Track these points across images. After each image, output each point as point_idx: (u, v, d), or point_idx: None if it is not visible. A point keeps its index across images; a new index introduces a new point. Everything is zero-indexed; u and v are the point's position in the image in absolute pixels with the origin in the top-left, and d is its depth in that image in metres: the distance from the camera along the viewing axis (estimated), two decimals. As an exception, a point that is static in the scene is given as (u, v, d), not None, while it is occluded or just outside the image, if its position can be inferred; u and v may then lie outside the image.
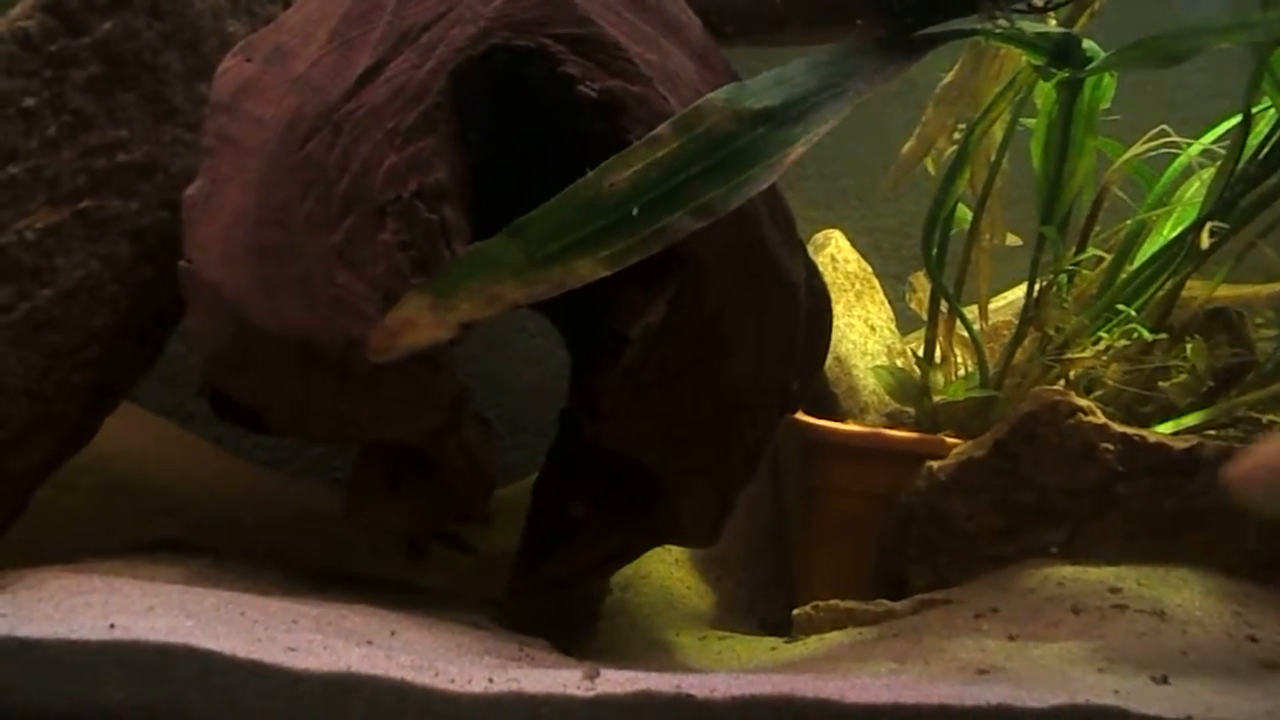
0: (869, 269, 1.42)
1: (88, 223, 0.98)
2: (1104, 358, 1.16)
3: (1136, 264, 1.16)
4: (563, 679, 0.73)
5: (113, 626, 0.72)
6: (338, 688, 0.69)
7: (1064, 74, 1.00)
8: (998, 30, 0.91)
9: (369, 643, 0.78)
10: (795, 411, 1.10)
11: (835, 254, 1.39)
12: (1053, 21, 0.98)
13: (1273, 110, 1.06)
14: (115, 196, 0.99)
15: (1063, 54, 0.97)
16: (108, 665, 0.69)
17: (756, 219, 0.90)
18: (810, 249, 1.47)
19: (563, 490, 1.09)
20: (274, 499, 1.50)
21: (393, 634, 0.83)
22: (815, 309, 1.00)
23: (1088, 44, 1.02)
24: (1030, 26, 0.94)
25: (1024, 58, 1.04)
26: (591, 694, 0.71)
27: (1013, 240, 1.30)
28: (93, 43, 0.96)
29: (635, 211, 0.73)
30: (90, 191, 0.98)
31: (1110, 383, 1.19)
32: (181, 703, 0.68)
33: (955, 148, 1.16)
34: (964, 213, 1.24)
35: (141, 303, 1.02)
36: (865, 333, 1.34)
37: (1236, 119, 1.05)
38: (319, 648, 0.74)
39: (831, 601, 1.14)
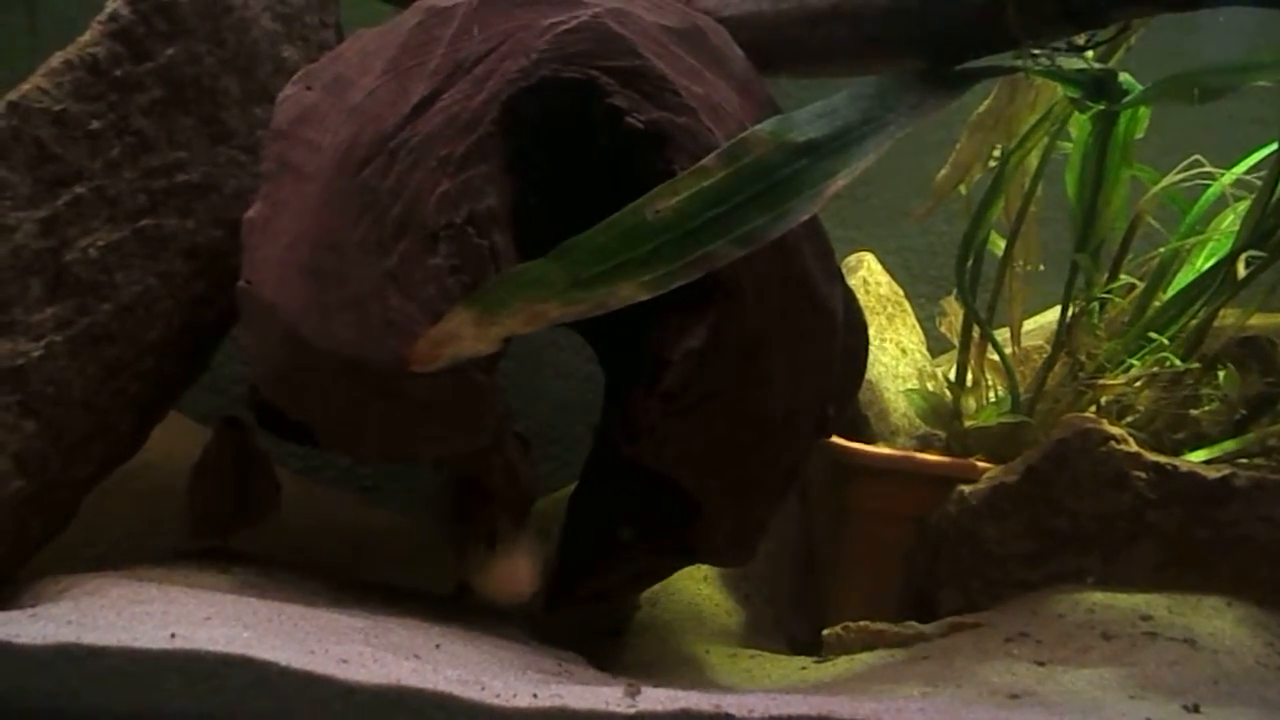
0: (900, 292, 1.44)
1: (146, 240, 1.02)
2: (1136, 385, 1.16)
3: (1170, 292, 1.17)
4: (604, 696, 0.75)
5: (173, 636, 0.74)
6: (389, 700, 0.72)
7: (1100, 106, 1.02)
8: (1037, 67, 0.93)
9: (416, 656, 0.81)
10: (830, 437, 1.12)
11: (867, 277, 1.41)
12: (1090, 54, 1.00)
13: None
14: (173, 215, 1.03)
15: (1100, 89, 0.98)
16: (168, 674, 0.72)
17: (797, 249, 0.92)
18: (843, 272, 1.48)
19: (599, 507, 1.11)
20: (308, 507, 1.53)
21: (438, 647, 0.85)
22: (851, 338, 1.02)
23: (1123, 77, 1.03)
24: (1068, 62, 0.96)
25: (1060, 89, 1.06)
26: (633, 711, 0.73)
27: (1038, 265, 1.31)
28: (156, 68, 1.00)
29: (679, 237, 0.75)
30: (149, 210, 1.01)
31: (1142, 409, 1.20)
32: (239, 712, 0.71)
33: (989, 174, 1.18)
34: (996, 239, 1.25)
35: (193, 318, 1.05)
36: (897, 356, 1.35)
37: (1271, 148, 1.06)
38: (369, 660, 0.76)
39: (862, 623, 1.15)
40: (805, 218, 0.79)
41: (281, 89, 1.01)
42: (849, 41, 0.96)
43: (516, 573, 0.99)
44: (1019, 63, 0.92)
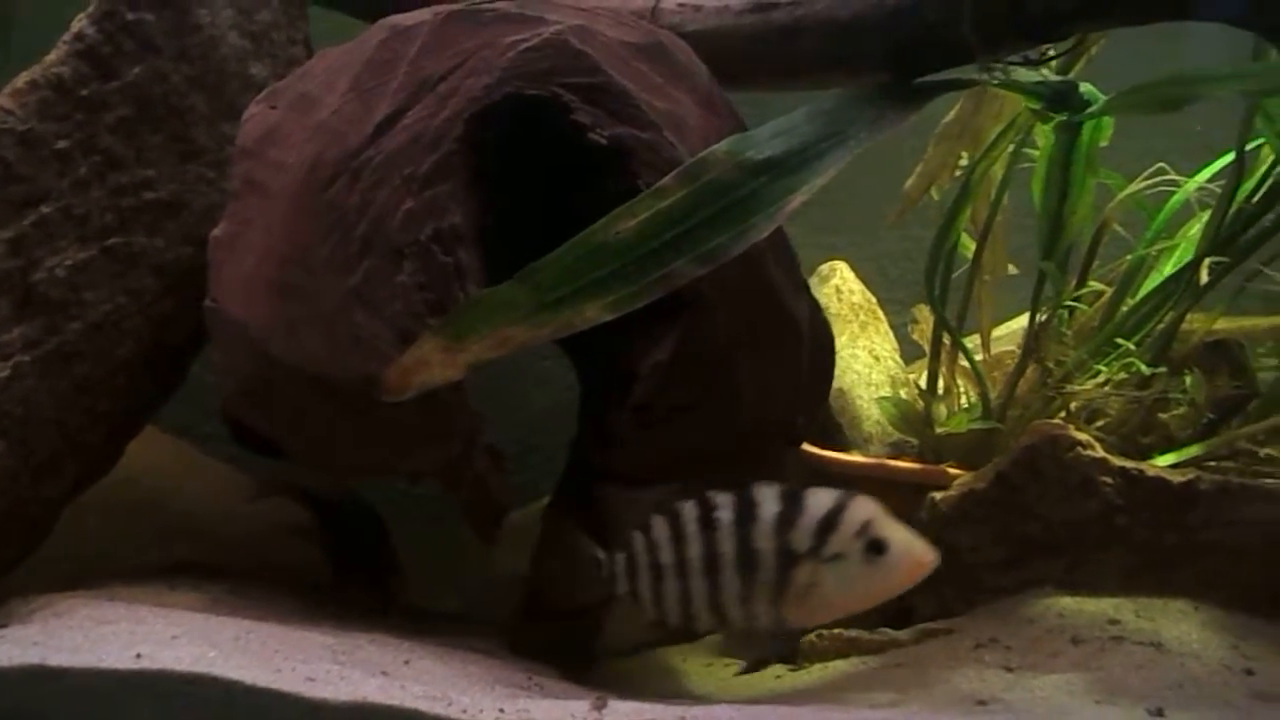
0: (873, 299, 1.45)
1: (115, 259, 1.02)
2: (1104, 390, 1.17)
3: (1137, 299, 1.18)
4: (571, 709, 0.76)
5: (139, 656, 0.74)
6: (354, 717, 0.72)
7: (1062, 117, 1.03)
8: (995, 80, 0.94)
9: (384, 673, 0.81)
10: (800, 445, 1.12)
11: (840, 285, 1.42)
12: (1051, 64, 1.01)
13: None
14: (142, 233, 1.03)
15: (1060, 99, 0.99)
16: (134, 694, 0.72)
17: (762, 261, 0.92)
18: (816, 280, 1.49)
19: (573, 519, 1.11)
20: (289, 520, 1.53)
21: (407, 663, 0.86)
22: (819, 347, 1.02)
23: (1086, 87, 1.04)
24: (1028, 74, 0.97)
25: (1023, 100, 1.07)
26: (599, 725, 0.74)
27: (1011, 269, 1.32)
28: (123, 86, 1.00)
29: (640, 258, 0.76)
30: (118, 228, 1.02)
31: (1112, 414, 1.21)
32: (205, 731, 0.71)
33: (958, 183, 1.19)
34: (967, 243, 1.26)
35: (165, 334, 1.06)
36: (870, 363, 1.36)
37: (1229, 157, 1.07)
38: (336, 678, 0.76)
39: (836, 630, 1.16)
40: (764, 235, 0.80)
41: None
42: (812, 56, 0.97)
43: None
44: (978, 76, 0.93)
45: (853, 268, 1.53)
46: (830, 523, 0.83)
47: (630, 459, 0.97)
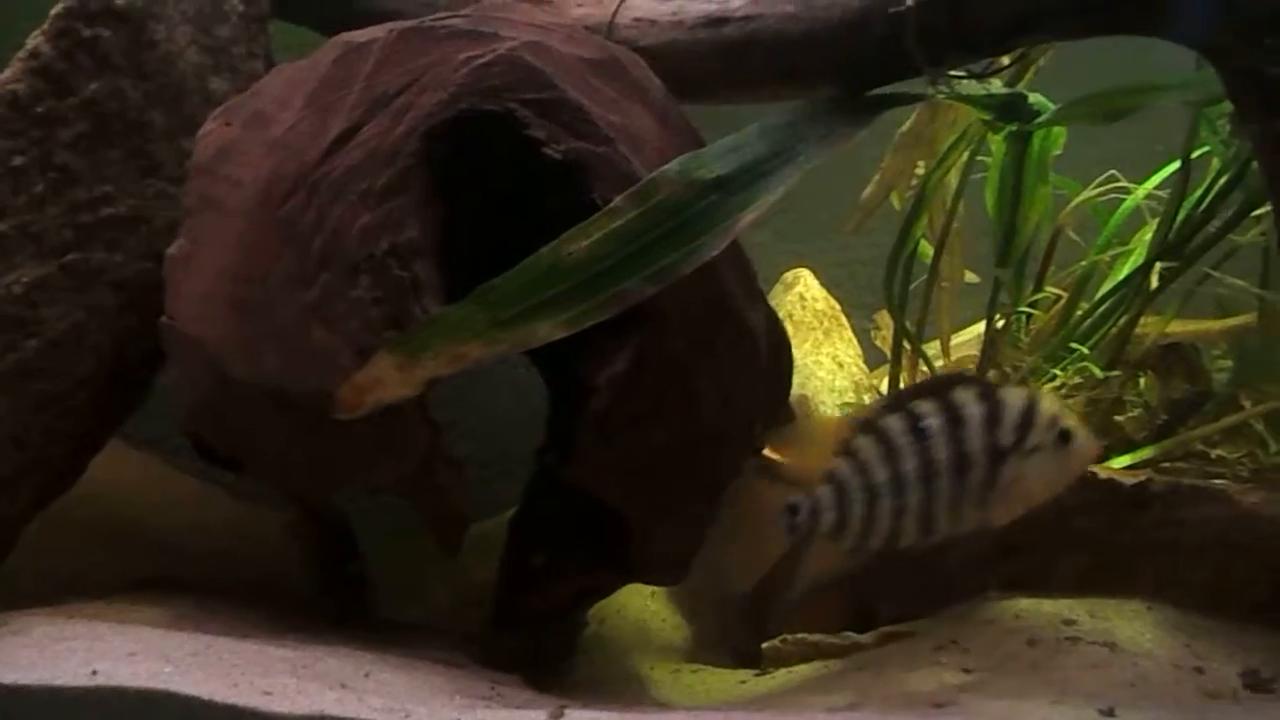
0: (837, 306, 1.46)
1: (73, 275, 1.02)
2: (1061, 394, 1.19)
3: (1091, 304, 1.20)
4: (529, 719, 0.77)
5: (95, 673, 0.75)
6: (311, 731, 0.72)
7: (1012, 127, 1.05)
8: (943, 93, 0.95)
9: (343, 686, 0.81)
10: (759, 453, 1.14)
11: (804, 292, 1.44)
12: (1000, 76, 1.03)
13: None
14: (100, 249, 1.03)
15: (1009, 110, 1.01)
16: (90, 711, 0.72)
17: (718, 274, 0.94)
18: (780, 287, 1.51)
19: (538, 528, 1.12)
20: (255, 531, 1.52)
21: (367, 676, 0.86)
22: (776, 357, 1.04)
23: (1035, 98, 1.06)
24: (978, 86, 0.99)
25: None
26: (556, 734, 0.75)
27: (970, 278, 1.34)
28: (80, 103, 1.00)
29: (592, 277, 0.77)
30: (76, 245, 1.02)
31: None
32: (161, 748, 0.71)
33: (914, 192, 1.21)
34: (928, 250, 1.28)
35: (126, 349, 1.05)
36: (833, 369, 1.38)
37: (1175, 165, 1.10)
38: (294, 691, 0.77)
39: (800, 635, 1.17)
40: (716, 252, 0.81)
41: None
42: (764, 71, 0.98)
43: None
44: (925, 90, 0.95)
45: (822, 273, 1.54)
46: (1028, 417, 0.85)
47: (590, 469, 0.98)
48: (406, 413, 0.88)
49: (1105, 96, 0.98)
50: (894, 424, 0.85)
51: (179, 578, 1.16)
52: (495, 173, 0.93)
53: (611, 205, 0.81)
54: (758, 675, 1.18)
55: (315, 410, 0.86)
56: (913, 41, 0.87)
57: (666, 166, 0.83)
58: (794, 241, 1.71)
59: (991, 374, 1.24)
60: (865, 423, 0.86)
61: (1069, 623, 1.06)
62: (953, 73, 0.92)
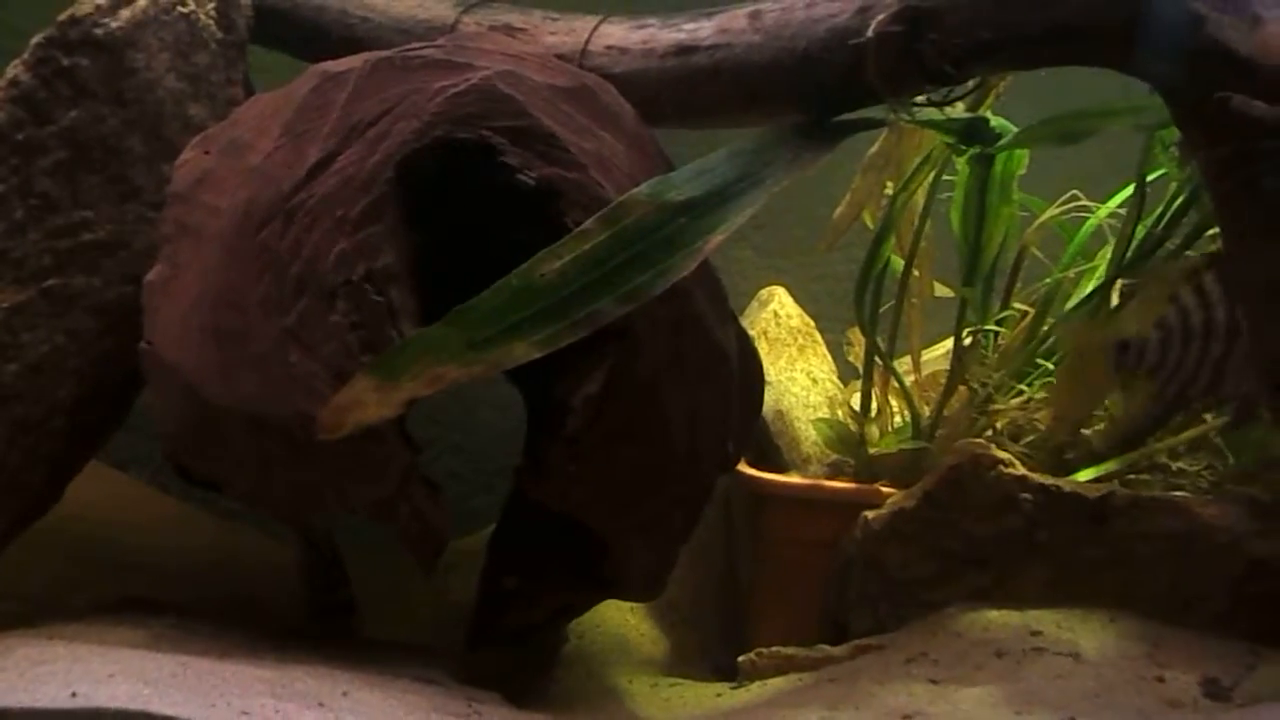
0: (811, 323, 1.49)
1: (52, 300, 1.03)
2: (1026, 409, 1.22)
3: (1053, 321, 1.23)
4: (503, 736, 0.78)
5: (74, 695, 0.75)
6: (288, 751, 0.74)
7: (975, 150, 1.08)
8: (905, 119, 0.98)
9: (321, 704, 0.82)
10: (730, 471, 1.16)
11: (779, 310, 1.46)
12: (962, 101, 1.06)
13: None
14: (79, 274, 1.04)
15: (971, 134, 1.04)
16: (69, 733, 0.73)
17: (689, 294, 0.96)
18: (756, 304, 1.54)
19: (516, 545, 1.14)
20: (237, 551, 1.53)
21: (344, 694, 0.87)
22: (747, 376, 1.06)
23: (997, 120, 1.09)
24: (940, 111, 1.02)
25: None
26: (528, 750, 0.76)
27: (944, 292, 1.37)
28: (59, 130, 1.02)
29: (565, 298, 0.79)
30: (55, 270, 1.03)
31: (1040, 431, 1.26)
32: (139, 768, 0.72)
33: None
34: (899, 265, 1.31)
35: (106, 372, 1.06)
36: (808, 386, 1.40)
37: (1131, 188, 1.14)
38: (271, 712, 0.78)
39: (774, 648, 1.19)
40: (685, 273, 0.83)
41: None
42: (731, 97, 1.01)
43: None
44: (889, 115, 0.98)
45: (801, 288, 1.57)
46: None
47: (565, 487, 1.00)
48: (383, 435, 0.90)
49: (1061, 121, 1.02)
50: (1210, 279, 0.93)
51: (160, 598, 1.17)
52: (470, 199, 0.95)
53: (582, 228, 0.83)
54: (734, 688, 1.20)
55: (293, 434, 0.88)
56: (873, 73, 0.90)
57: (636, 190, 0.85)
58: (774, 257, 1.74)
59: (963, 388, 1.27)
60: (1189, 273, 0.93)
61: (1035, 634, 1.08)
62: (914, 100, 0.95)
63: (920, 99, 0.95)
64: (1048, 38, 0.87)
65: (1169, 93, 0.84)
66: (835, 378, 1.45)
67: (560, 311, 0.81)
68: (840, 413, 1.37)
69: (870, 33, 0.88)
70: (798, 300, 1.54)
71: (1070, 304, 1.27)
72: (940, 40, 0.86)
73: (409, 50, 0.96)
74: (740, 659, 1.21)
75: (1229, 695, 0.99)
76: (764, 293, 1.52)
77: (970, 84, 0.95)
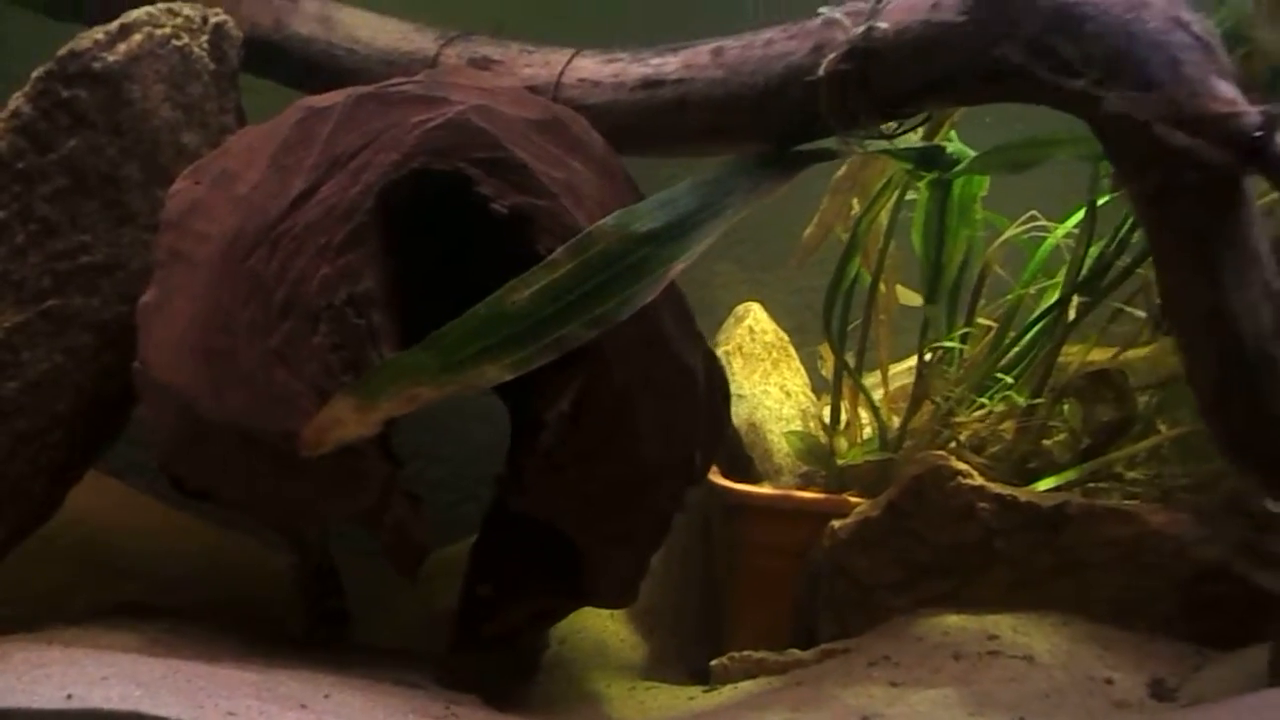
0: (785, 338, 1.54)
1: (52, 320, 1.08)
2: (988, 421, 1.27)
3: (1015, 336, 1.28)
4: (477, 736, 0.82)
5: (69, 696, 0.80)
6: (271, 749, 0.78)
7: (933, 175, 1.13)
8: (861, 149, 1.03)
9: (303, 706, 0.87)
10: (699, 483, 1.20)
11: (754, 325, 1.51)
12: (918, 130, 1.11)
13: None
14: (78, 295, 1.09)
15: (927, 160, 1.10)
16: (65, 732, 0.78)
17: (657, 315, 1.01)
18: (732, 320, 1.59)
19: (497, 554, 1.19)
20: (230, 558, 1.57)
21: (327, 697, 0.92)
22: (713, 393, 1.11)
23: (955, 146, 1.14)
24: (900, 138, 1.07)
25: (897, 160, 1.17)
26: (498, 750, 0.81)
27: (912, 300, 1.41)
28: (58, 159, 1.07)
29: (535, 324, 0.84)
30: (54, 291, 1.08)
31: (1003, 443, 1.31)
32: (131, 765, 0.77)
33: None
34: (867, 281, 1.36)
35: (104, 387, 1.11)
36: (781, 399, 1.45)
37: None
38: (256, 713, 0.82)
39: (746, 652, 1.24)
40: (649, 300, 0.88)
41: (183, 170, 1.08)
42: (695, 128, 1.06)
43: None
44: (844, 146, 1.03)
45: (779, 301, 1.62)
46: None
47: (541, 499, 1.05)
48: (365, 449, 0.95)
49: (1011, 150, 1.07)
50: None
51: (154, 603, 1.22)
52: (446, 227, 1.00)
53: (551, 258, 0.88)
54: (706, 691, 1.24)
55: (279, 448, 0.93)
56: (825, 108, 0.95)
57: (603, 221, 0.90)
58: (756, 271, 1.79)
59: (928, 402, 1.32)
60: None
61: (992, 637, 1.13)
62: (866, 131, 1.00)
63: (875, 129, 1.00)
64: (991, 74, 0.91)
65: (1096, 126, 0.88)
66: (809, 391, 1.50)
67: (530, 336, 0.86)
68: (812, 425, 1.42)
69: (822, 71, 0.93)
70: (778, 313, 1.60)
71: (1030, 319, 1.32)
72: (889, 78, 0.91)
73: (389, 86, 1.01)
74: (713, 663, 1.25)
75: (1174, 696, 1.04)
76: (740, 308, 1.57)
77: (919, 116, 0.99)
